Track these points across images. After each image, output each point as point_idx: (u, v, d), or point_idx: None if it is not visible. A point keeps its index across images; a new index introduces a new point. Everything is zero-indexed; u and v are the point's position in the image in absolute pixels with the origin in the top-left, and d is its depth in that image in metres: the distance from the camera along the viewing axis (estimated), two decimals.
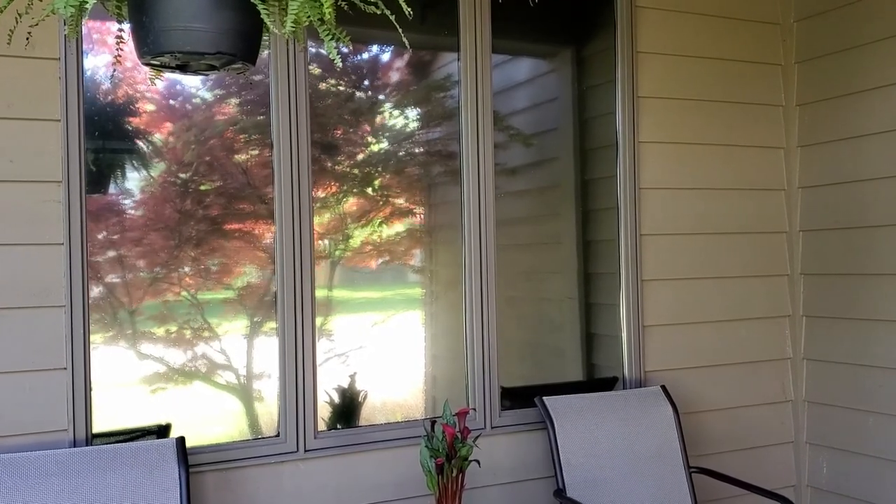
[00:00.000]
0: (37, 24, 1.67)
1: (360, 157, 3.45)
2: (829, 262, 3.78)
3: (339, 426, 3.24)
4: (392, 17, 1.62)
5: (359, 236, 3.43)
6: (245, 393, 3.18)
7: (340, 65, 1.48)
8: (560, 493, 3.14)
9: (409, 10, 1.61)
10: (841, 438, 3.73)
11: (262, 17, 1.40)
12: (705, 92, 3.76)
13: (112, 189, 2.99)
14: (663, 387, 3.51)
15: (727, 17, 3.82)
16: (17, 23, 1.73)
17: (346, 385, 3.29)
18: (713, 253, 3.78)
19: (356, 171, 3.44)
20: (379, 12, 1.60)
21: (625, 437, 3.32)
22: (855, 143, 3.65)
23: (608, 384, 3.65)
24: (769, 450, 3.87)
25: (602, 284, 3.78)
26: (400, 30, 1.65)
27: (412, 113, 3.55)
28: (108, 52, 2.91)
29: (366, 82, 3.50)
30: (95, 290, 2.86)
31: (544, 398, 3.30)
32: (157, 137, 3.07)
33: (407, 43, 1.69)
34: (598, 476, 3.22)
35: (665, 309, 3.67)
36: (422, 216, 3.60)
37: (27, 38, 1.95)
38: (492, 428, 3.33)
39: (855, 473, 3.67)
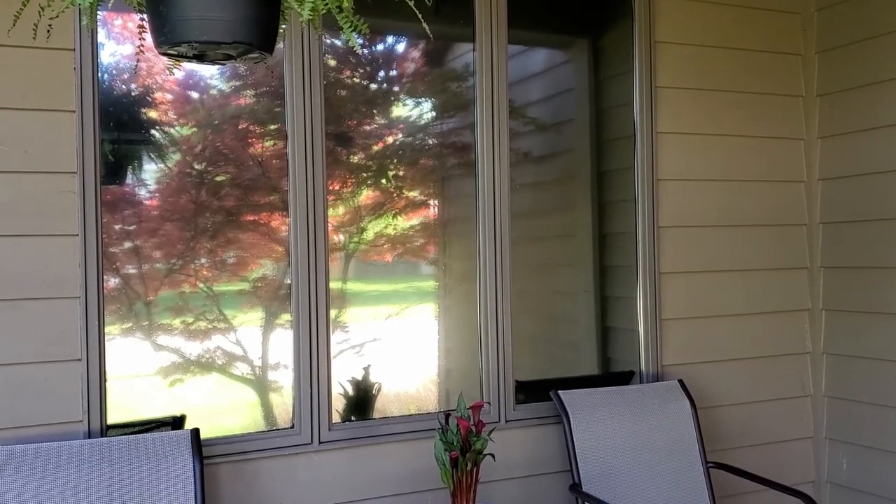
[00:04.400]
0: (57, 17, 1.65)
1: (375, 148, 3.43)
2: (850, 255, 3.74)
3: (353, 418, 3.23)
4: (412, 3, 1.59)
5: (372, 228, 3.41)
6: (259, 384, 3.18)
7: (360, 51, 1.45)
8: (575, 487, 3.12)
9: None
10: (861, 434, 3.69)
11: (281, 4, 1.38)
12: (724, 82, 3.72)
13: (127, 180, 2.98)
14: (681, 381, 3.49)
15: (747, 6, 3.78)
16: (39, 16, 1.71)
17: (360, 377, 3.28)
18: (732, 246, 3.75)
19: (370, 162, 3.42)
20: None
21: (641, 432, 3.30)
22: (876, 134, 3.61)
23: (625, 378, 3.63)
24: (788, 445, 3.84)
25: (618, 277, 3.75)
26: (420, 16, 1.62)
27: (427, 104, 3.53)
28: (122, 42, 2.90)
29: (380, 73, 3.47)
30: (111, 282, 2.86)
31: (560, 392, 3.27)
32: (173, 128, 3.06)
33: (428, 30, 1.66)
34: (614, 471, 3.20)
35: (683, 302, 3.64)
36: (436, 208, 3.58)
37: (48, 31, 1.93)
38: (506, 422, 3.31)
39: (876, 470, 3.63)
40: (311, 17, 1.43)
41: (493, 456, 2.97)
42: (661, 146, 3.60)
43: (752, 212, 3.79)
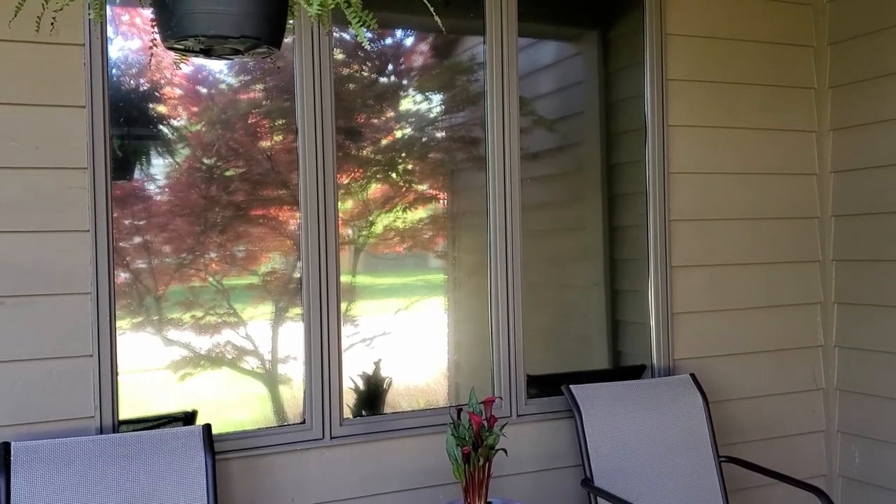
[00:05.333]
0: (61, 9, 1.64)
1: (384, 142, 3.42)
2: (862, 247, 3.71)
3: (363, 413, 3.23)
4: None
5: (382, 222, 3.41)
6: (270, 379, 3.18)
7: (368, 47, 1.44)
8: (588, 482, 3.11)
9: None
10: (873, 427, 3.67)
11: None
12: (736, 74, 3.70)
13: (137, 175, 2.98)
14: (692, 375, 3.47)
15: None
16: (43, 9, 1.70)
17: (370, 371, 3.28)
18: (743, 239, 3.72)
19: (380, 157, 3.41)
20: None
21: (653, 426, 3.28)
22: (889, 126, 3.57)
23: (636, 372, 3.61)
24: (800, 439, 3.82)
25: (629, 271, 3.74)
26: (432, 9, 1.61)
27: (436, 98, 3.52)
28: (130, 37, 2.90)
29: (390, 67, 3.46)
30: (122, 277, 2.86)
31: (571, 386, 3.26)
32: (183, 123, 3.06)
33: (441, 24, 1.64)
34: (626, 465, 3.18)
35: (694, 296, 3.62)
36: (445, 202, 3.57)
37: (52, 24, 1.93)
38: (518, 416, 3.30)
39: (888, 463, 3.61)
40: (319, 13, 1.42)
41: (505, 451, 2.96)
42: (672, 139, 3.58)
43: (764, 205, 3.76)
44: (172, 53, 1.56)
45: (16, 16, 1.65)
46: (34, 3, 1.69)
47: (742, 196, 3.72)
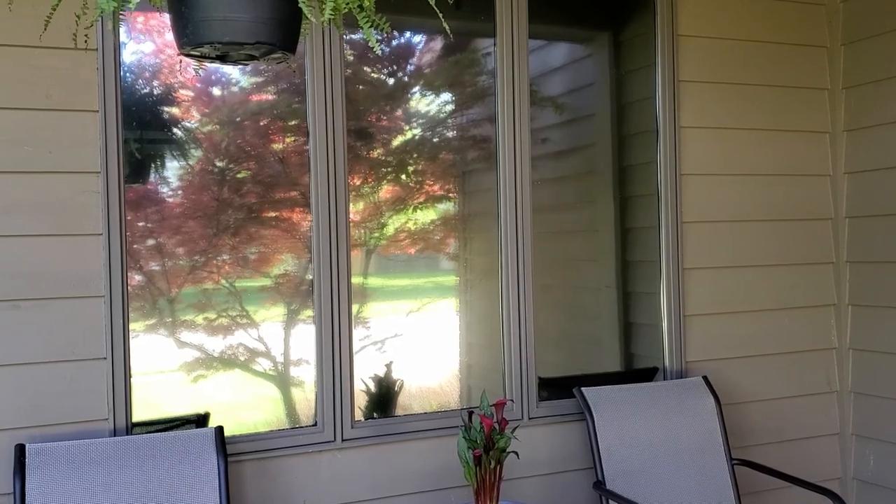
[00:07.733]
0: (91, 26, 1.65)
1: (395, 143, 3.42)
2: (876, 249, 3.69)
3: (375, 415, 3.23)
4: (432, 2, 1.58)
5: (393, 224, 3.41)
6: (281, 381, 3.18)
7: (379, 52, 1.44)
8: (599, 485, 3.10)
9: None
10: (888, 430, 3.64)
11: (300, 4, 1.37)
12: (748, 75, 3.68)
13: (150, 178, 2.99)
14: (705, 377, 3.46)
15: None
16: (77, 26, 1.71)
17: (382, 374, 3.28)
18: (756, 240, 3.71)
19: (391, 158, 3.41)
20: None
21: (666, 429, 3.27)
22: None
23: (648, 375, 3.60)
24: (814, 442, 3.80)
25: (641, 273, 3.72)
26: (441, 15, 1.61)
27: (447, 99, 3.52)
28: (143, 41, 2.91)
29: (401, 69, 3.46)
30: (135, 279, 2.87)
31: (583, 389, 3.26)
32: (195, 126, 3.07)
33: (448, 29, 1.64)
34: (638, 468, 3.18)
35: (707, 298, 3.60)
36: (456, 203, 3.56)
37: (85, 39, 1.94)
38: (529, 419, 3.30)
39: None
40: (332, 17, 1.42)
41: (516, 454, 2.96)
42: (684, 140, 3.57)
43: (777, 206, 3.75)
44: (188, 59, 1.56)
45: (45, 29, 1.65)
46: (60, 14, 1.70)
47: (755, 198, 3.70)
